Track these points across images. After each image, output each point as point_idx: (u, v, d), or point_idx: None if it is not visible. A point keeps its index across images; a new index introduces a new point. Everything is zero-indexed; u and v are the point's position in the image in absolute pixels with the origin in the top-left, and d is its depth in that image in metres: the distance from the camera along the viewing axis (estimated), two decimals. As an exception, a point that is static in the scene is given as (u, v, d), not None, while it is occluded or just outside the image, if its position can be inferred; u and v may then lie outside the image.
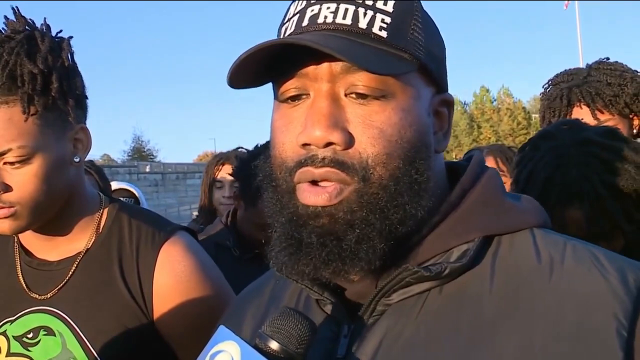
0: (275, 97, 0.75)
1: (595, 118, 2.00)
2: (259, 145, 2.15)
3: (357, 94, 0.70)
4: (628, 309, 0.65)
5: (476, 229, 0.73)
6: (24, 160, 1.11)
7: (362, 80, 0.69)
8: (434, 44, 0.76)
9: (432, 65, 0.75)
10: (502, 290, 0.69)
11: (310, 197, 0.69)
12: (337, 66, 0.70)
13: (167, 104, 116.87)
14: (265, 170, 0.76)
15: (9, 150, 1.10)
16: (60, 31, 1.23)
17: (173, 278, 1.19)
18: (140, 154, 51.95)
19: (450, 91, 0.82)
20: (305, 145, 0.70)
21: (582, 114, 2.02)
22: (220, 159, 3.11)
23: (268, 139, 0.78)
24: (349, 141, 0.69)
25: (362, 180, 0.69)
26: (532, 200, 0.80)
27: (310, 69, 0.70)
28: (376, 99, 0.70)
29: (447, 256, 0.72)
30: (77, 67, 1.22)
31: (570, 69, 2.17)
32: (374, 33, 0.70)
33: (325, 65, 0.70)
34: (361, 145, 0.69)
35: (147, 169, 32.25)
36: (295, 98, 0.73)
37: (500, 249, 0.73)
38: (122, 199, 2.11)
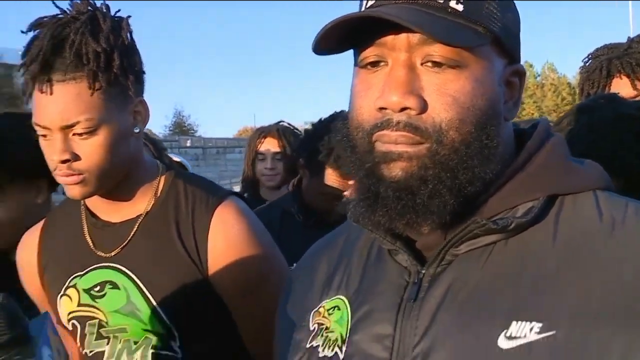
0: (356, 63, 0.80)
1: (635, 88, 1.99)
2: (322, 119, 2.24)
3: (433, 62, 0.74)
4: None
5: (541, 188, 0.77)
6: (91, 132, 1.21)
7: (438, 50, 0.74)
8: (508, 17, 0.79)
9: (506, 38, 0.79)
10: (565, 246, 0.73)
11: (389, 145, 0.75)
12: (414, 37, 0.74)
13: (208, 79, 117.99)
14: (343, 132, 0.82)
15: (78, 122, 1.20)
16: (119, 11, 1.31)
17: (226, 241, 1.29)
18: (181, 128, 52.57)
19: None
20: (381, 109, 0.75)
21: (621, 85, 2.02)
22: (262, 132, 3.20)
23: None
24: (423, 106, 0.74)
25: (435, 143, 0.74)
26: (596, 165, 0.83)
27: (389, 38, 0.75)
28: (451, 68, 0.74)
29: (513, 212, 0.77)
30: (135, 45, 1.31)
31: (610, 43, 2.16)
32: (450, 7, 0.75)
33: (403, 36, 0.74)
34: (434, 111, 0.74)
35: (188, 144, 32.65)
36: (374, 64, 0.77)
37: (564, 209, 0.77)
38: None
